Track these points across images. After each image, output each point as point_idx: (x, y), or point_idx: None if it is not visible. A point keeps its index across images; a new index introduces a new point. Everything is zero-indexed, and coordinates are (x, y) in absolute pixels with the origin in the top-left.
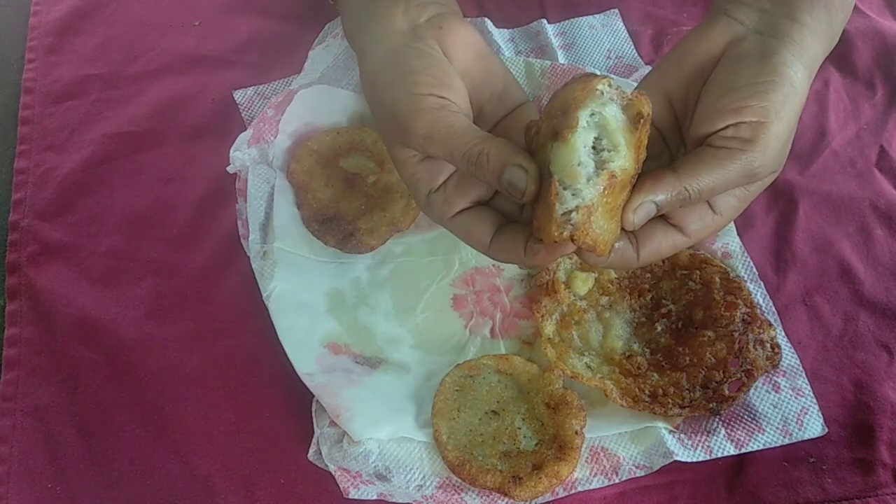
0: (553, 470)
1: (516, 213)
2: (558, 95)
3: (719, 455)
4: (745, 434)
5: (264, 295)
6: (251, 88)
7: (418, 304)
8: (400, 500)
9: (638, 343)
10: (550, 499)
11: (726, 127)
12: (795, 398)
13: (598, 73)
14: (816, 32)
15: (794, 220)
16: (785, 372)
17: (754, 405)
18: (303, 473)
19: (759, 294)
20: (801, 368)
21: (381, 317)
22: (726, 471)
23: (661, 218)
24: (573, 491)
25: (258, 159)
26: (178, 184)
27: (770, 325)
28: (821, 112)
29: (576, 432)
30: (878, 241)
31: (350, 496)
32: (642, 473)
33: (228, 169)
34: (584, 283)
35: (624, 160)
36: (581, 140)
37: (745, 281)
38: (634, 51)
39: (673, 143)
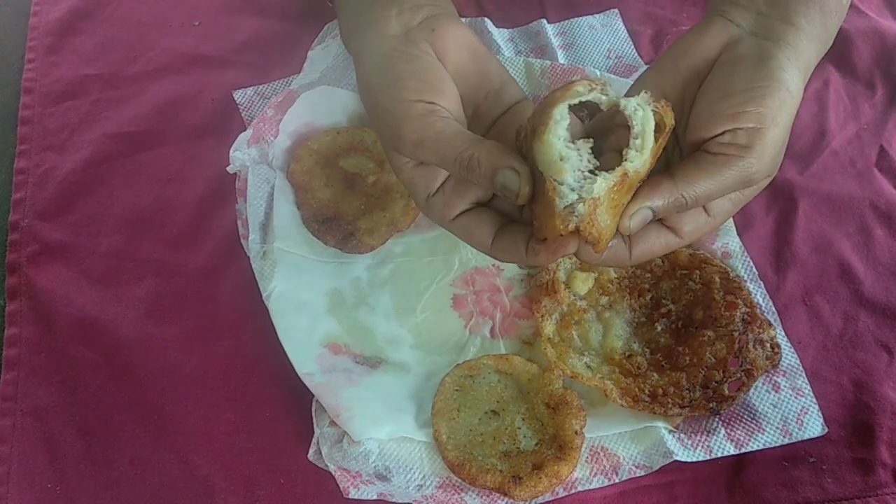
0: (553, 470)
1: (516, 212)
2: (544, 100)
3: (719, 455)
4: (745, 434)
5: (264, 295)
6: (251, 88)
7: (418, 304)
8: (400, 500)
9: (638, 343)
10: (550, 498)
11: (723, 133)
12: (795, 398)
13: (596, 75)
14: (811, 35)
15: (794, 220)
16: (785, 372)
17: (754, 405)
18: (303, 473)
19: (758, 294)
20: (800, 368)
21: (381, 317)
22: (726, 470)
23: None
24: (573, 491)
25: (258, 159)
26: (178, 184)
27: (770, 324)
28: (821, 112)
29: (576, 432)
30: (878, 241)
31: (350, 496)
32: (642, 473)
33: (228, 169)
34: (583, 283)
35: (641, 163)
36: (555, 135)
37: (745, 281)
38: (634, 51)
39: (668, 144)
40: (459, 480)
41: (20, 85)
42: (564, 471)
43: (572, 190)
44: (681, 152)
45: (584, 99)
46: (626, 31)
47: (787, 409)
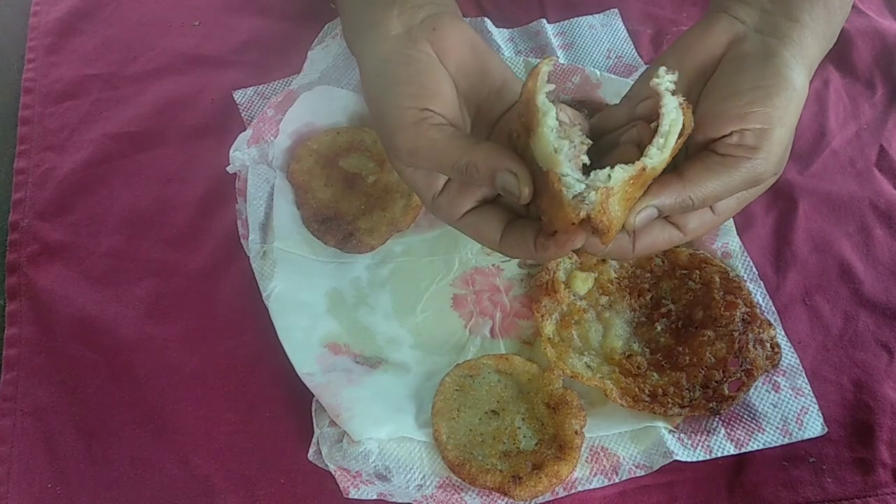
0: (553, 469)
1: (523, 208)
2: (521, 96)
3: (719, 455)
4: (745, 434)
5: (264, 295)
6: (251, 88)
7: (418, 304)
8: (400, 500)
9: (638, 343)
10: (550, 498)
11: (731, 133)
12: (795, 398)
13: (596, 75)
14: (816, 32)
15: (794, 220)
16: (785, 371)
17: (754, 405)
18: (303, 473)
19: (758, 294)
20: (800, 368)
21: (381, 317)
22: (726, 470)
23: None
24: (573, 490)
25: (258, 159)
26: (178, 184)
27: (770, 324)
28: (820, 112)
29: (575, 432)
30: (878, 241)
31: (350, 496)
32: (642, 473)
33: (228, 169)
34: (583, 283)
35: (660, 161)
36: (547, 127)
37: (745, 280)
38: (634, 50)
39: None
40: (459, 480)
41: (20, 85)
42: (564, 471)
43: (578, 180)
44: (686, 150)
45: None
46: (625, 30)
47: (786, 408)
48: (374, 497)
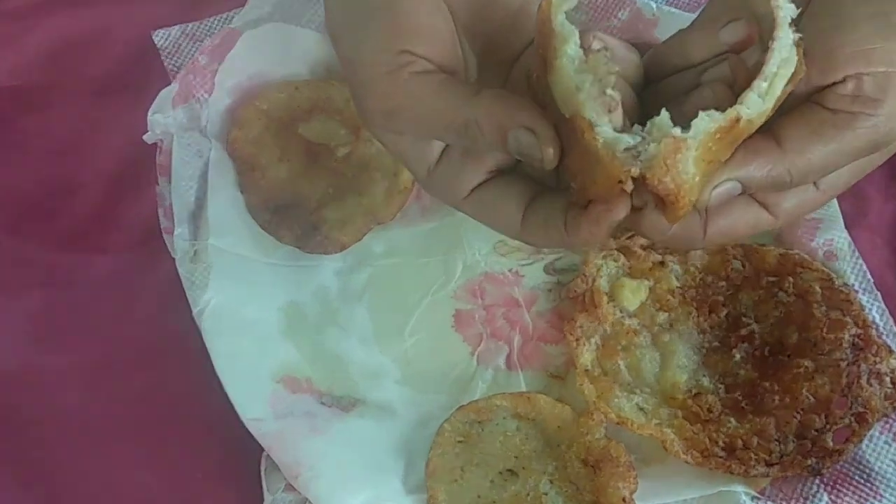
0: None
1: (552, 176)
2: (537, 15)
3: None
4: (857, 502)
5: (195, 310)
6: (176, 27)
7: (407, 324)
8: None
9: (709, 377)
10: None
11: (844, 80)
12: None
13: (651, 8)
14: None
15: None
16: None
17: (868, 462)
18: None
19: (875, 309)
20: None
21: (357, 341)
22: None
23: None
24: None
25: (187, 125)
26: (77, 158)
27: (890, 351)
28: None
29: (623, 499)
30: None
31: None
32: None
33: (146, 138)
34: (634, 295)
35: (759, 114)
36: (568, 58)
37: (856, 291)
38: None
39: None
40: None
41: None
42: None
43: (618, 131)
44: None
45: None
46: None
47: None
48: None
